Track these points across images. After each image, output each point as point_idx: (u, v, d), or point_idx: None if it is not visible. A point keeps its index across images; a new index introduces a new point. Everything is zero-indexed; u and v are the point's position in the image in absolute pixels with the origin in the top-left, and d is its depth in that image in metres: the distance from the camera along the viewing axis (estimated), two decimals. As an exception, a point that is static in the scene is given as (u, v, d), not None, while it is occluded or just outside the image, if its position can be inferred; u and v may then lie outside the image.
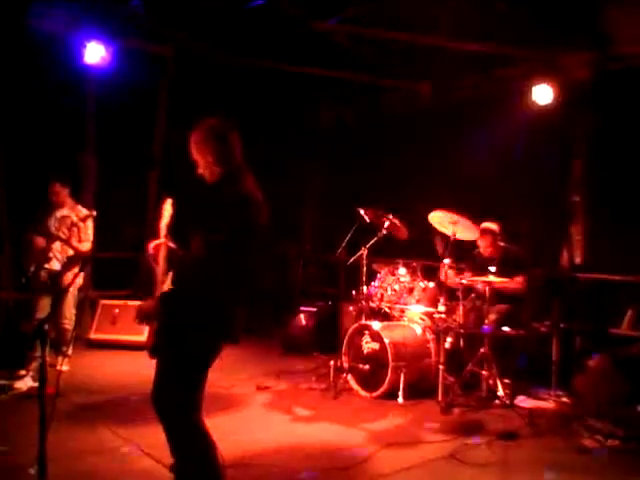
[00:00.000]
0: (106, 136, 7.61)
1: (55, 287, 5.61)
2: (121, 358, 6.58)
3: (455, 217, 5.51)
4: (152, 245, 3.18)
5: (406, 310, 5.89)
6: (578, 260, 6.60)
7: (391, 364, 5.26)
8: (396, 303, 5.90)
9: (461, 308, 5.42)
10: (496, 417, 4.91)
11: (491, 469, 3.91)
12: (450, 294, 5.63)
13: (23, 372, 5.41)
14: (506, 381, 5.34)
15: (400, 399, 5.24)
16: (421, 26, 6.18)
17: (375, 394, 5.35)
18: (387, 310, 6.01)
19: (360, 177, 8.26)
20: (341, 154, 8.99)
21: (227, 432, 4.07)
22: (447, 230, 5.63)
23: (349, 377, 5.59)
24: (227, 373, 5.79)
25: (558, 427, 4.71)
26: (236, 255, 2.86)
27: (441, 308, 5.46)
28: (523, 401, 5.30)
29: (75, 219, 5.61)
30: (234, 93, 7.47)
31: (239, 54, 7.25)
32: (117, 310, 7.17)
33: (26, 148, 6.89)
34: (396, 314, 5.99)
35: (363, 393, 5.46)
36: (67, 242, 5.60)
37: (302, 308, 7.60)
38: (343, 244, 6.07)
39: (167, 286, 3.04)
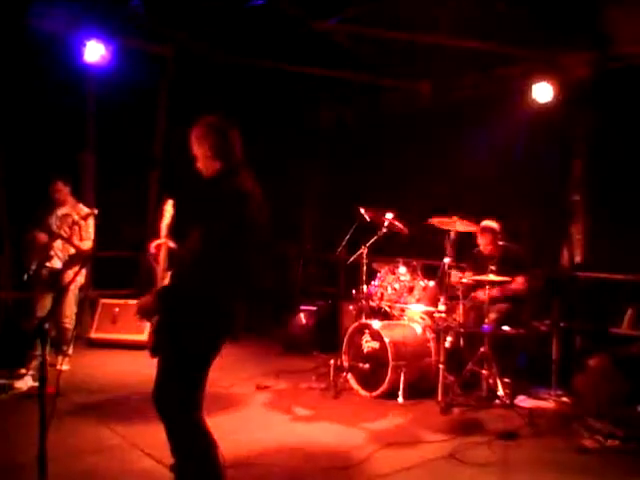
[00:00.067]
0: (106, 136, 7.61)
1: (56, 285, 5.61)
2: (121, 357, 6.58)
3: (454, 218, 5.50)
4: (153, 245, 3.21)
5: (406, 309, 5.90)
6: (578, 259, 6.60)
7: (391, 363, 5.26)
8: (396, 302, 5.90)
9: (461, 307, 5.42)
10: (496, 417, 4.91)
11: (491, 469, 3.90)
12: (450, 293, 5.63)
13: (23, 371, 5.42)
14: (506, 380, 5.34)
15: (400, 398, 5.24)
16: (421, 25, 6.18)
17: (375, 393, 5.36)
18: (387, 309, 6.01)
19: (360, 177, 8.26)
20: (341, 154, 8.99)
21: (227, 432, 4.06)
22: (449, 227, 5.62)
23: (349, 376, 5.60)
24: (227, 372, 5.79)
25: (558, 427, 4.71)
26: (233, 250, 2.86)
27: (441, 307, 5.46)
28: (523, 401, 5.30)
29: (76, 217, 5.63)
30: (234, 93, 7.47)
31: (239, 54, 7.26)
32: (117, 309, 7.18)
33: (26, 148, 6.90)
34: (396, 313, 5.99)
35: (363, 392, 5.46)
36: (68, 240, 5.61)
37: (302, 307, 7.61)
38: (343, 243, 6.08)
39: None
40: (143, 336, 6.52)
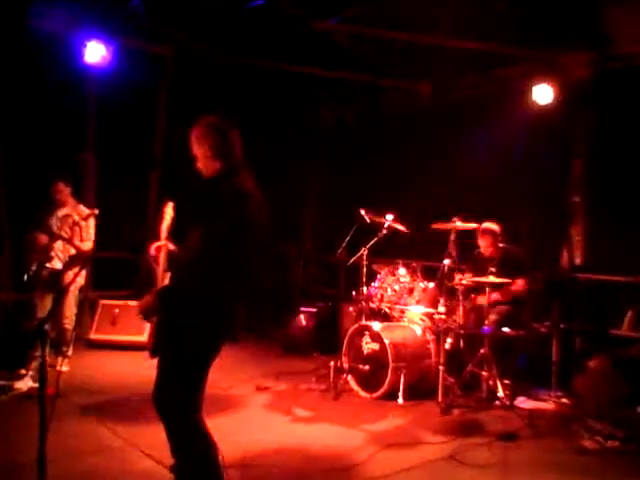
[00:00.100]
0: (106, 136, 7.61)
1: (56, 286, 5.61)
2: (121, 358, 6.57)
3: (455, 219, 5.50)
4: (153, 247, 3.21)
5: (406, 311, 5.89)
6: (578, 260, 6.59)
7: (391, 365, 5.26)
8: (396, 304, 5.90)
9: (461, 309, 5.41)
10: (496, 418, 4.91)
11: (491, 470, 3.90)
12: (450, 294, 5.63)
13: (23, 371, 5.41)
14: (506, 382, 5.34)
15: (400, 400, 5.24)
16: (421, 26, 6.17)
17: (375, 395, 5.35)
18: (387, 311, 6.01)
19: (360, 177, 8.26)
20: (341, 154, 8.99)
21: (227, 433, 4.06)
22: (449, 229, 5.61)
23: (349, 378, 5.59)
24: (227, 373, 5.79)
25: (558, 428, 4.71)
26: (233, 250, 2.86)
27: (441, 309, 5.46)
28: (523, 402, 5.30)
29: (77, 218, 5.62)
30: (234, 93, 7.47)
31: (239, 54, 7.25)
32: (117, 310, 7.17)
33: (26, 148, 6.89)
34: (396, 315, 5.99)
35: (363, 394, 5.46)
36: (69, 241, 5.61)
37: (302, 308, 7.61)
38: (343, 244, 6.08)
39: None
40: (143, 337, 6.51)
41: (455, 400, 5.16)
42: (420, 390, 5.37)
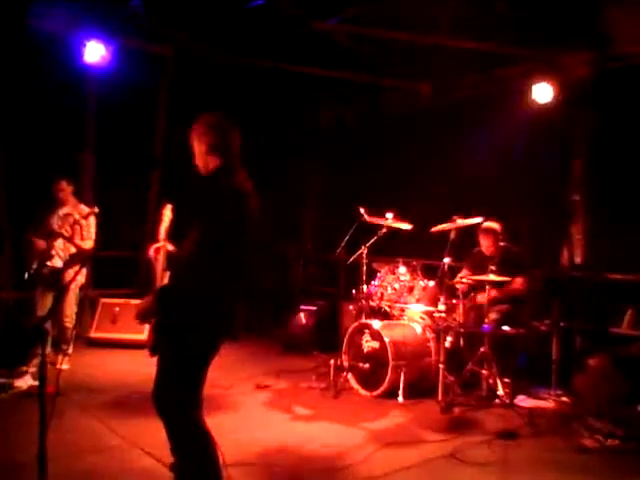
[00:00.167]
0: (106, 136, 7.62)
1: (57, 285, 5.62)
2: (121, 357, 6.58)
3: (455, 218, 5.50)
4: (152, 248, 3.23)
5: (406, 309, 5.90)
6: (578, 259, 6.60)
7: (391, 363, 5.26)
8: (396, 302, 5.91)
9: (461, 307, 5.42)
10: (496, 416, 4.91)
11: (491, 468, 3.90)
12: (450, 293, 5.63)
13: (24, 368, 5.41)
14: (506, 380, 5.34)
15: (400, 398, 5.25)
16: (421, 26, 6.18)
17: (375, 393, 5.36)
18: (387, 309, 6.01)
19: (360, 177, 8.26)
20: (341, 154, 8.99)
21: (227, 431, 4.07)
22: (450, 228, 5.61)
23: (349, 376, 5.60)
24: (227, 372, 5.80)
25: (558, 427, 4.71)
26: (231, 249, 2.86)
27: (441, 307, 5.46)
28: (523, 400, 5.30)
29: (77, 217, 5.64)
30: (234, 93, 7.48)
31: (239, 54, 7.26)
32: (117, 309, 7.18)
33: (26, 148, 6.90)
34: (396, 313, 5.99)
35: (363, 392, 5.46)
36: (70, 240, 5.62)
37: (302, 307, 7.61)
38: (343, 243, 6.08)
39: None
40: (143, 335, 6.52)
41: (455, 398, 5.16)
42: (420, 388, 5.37)
